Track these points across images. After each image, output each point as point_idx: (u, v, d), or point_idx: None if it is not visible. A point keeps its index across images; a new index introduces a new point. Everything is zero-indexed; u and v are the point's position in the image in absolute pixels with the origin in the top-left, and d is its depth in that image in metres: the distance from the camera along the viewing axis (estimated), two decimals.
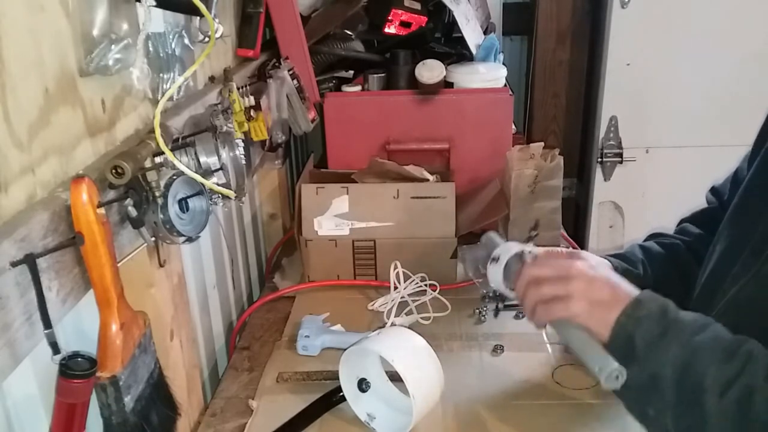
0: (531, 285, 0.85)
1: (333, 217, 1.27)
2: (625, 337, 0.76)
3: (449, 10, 1.59)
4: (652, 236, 1.09)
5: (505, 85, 1.54)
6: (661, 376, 0.73)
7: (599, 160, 2.16)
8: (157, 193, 0.72)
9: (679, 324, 0.75)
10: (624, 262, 0.99)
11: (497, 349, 1.09)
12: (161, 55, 0.83)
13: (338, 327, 1.13)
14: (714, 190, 1.08)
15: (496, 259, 0.94)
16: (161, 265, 0.84)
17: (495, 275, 0.94)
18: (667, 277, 0.99)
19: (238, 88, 1.03)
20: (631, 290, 0.80)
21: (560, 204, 1.37)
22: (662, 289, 0.98)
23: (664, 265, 1.00)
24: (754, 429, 0.67)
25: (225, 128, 0.91)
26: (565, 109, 2.23)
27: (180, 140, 0.82)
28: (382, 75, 1.55)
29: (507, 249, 0.93)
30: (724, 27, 1.99)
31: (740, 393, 0.68)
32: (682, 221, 1.10)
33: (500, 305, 1.03)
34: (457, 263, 1.30)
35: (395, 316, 1.17)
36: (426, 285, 1.24)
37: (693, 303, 0.94)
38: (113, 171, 0.66)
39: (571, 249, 0.98)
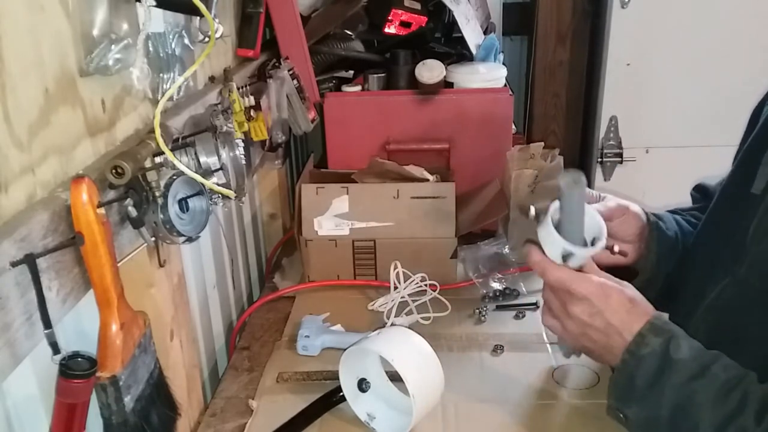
0: (546, 305, 0.87)
1: (333, 217, 1.27)
2: (628, 376, 0.77)
3: (449, 10, 1.59)
4: (673, 212, 1.09)
5: (505, 85, 1.54)
6: (657, 417, 0.74)
7: (599, 160, 2.16)
8: (157, 193, 0.72)
9: (677, 365, 0.74)
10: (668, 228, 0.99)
11: (497, 349, 1.09)
12: (161, 55, 0.83)
13: (338, 327, 1.13)
14: (701, 188, 1.08)
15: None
16: (161, 265, 0.84)
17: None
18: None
19: (238, 88, 1.03)
20: (638, 318, 0.78)
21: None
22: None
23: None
24: None
25: (225, 128, 0.91)
26: (565, 109, 2.23)
27: (180, 140, 0.82)
28: (382, 75, 1.55)
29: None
30: (725, 27, 1.99)
31: None
32: (673, 212, 1.10)
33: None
34: (457, 263, 1.30)
35: (395, 316, 1.17)
36: (426, 285, 1.24)
37: (677, 305, 0.94)
38: (113, 171, 0.66)
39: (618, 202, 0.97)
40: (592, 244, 0.83)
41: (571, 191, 0.78)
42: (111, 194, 0.69)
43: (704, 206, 1.06)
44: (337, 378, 0.94)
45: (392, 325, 1.14)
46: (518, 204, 1.00)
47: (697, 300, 0.88)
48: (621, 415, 0.79)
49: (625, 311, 0.79)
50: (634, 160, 2.15)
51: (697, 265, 0.93)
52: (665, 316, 0.81)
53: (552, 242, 0.80)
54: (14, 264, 0.54)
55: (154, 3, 0.73)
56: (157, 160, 0.73)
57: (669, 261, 0.98)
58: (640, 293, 0.81)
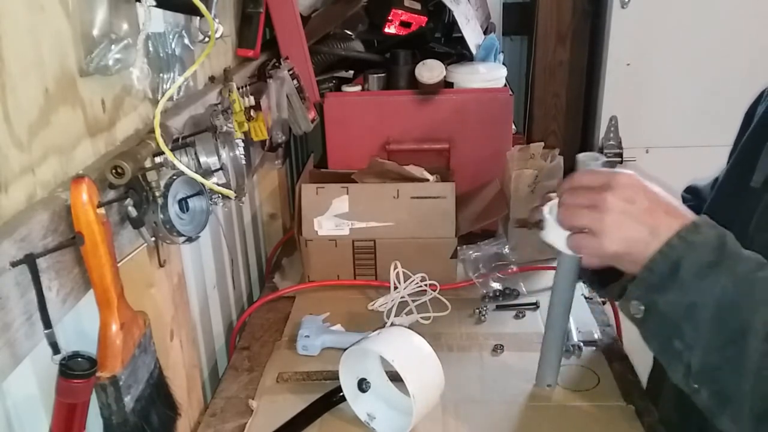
0: (568, 210, 0.77)
1: (333, 217, 1.27)
2: (673, 260, 0.69)
3: (449, 10, 1.59)
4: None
5: (505, 85, 1.54)
6: (701, 307, 0.67)
7: None
8: (157, 193, 0.72)
9: (736, 257, 0.68)
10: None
11: (497, 349, 1.09)
12: (161, 55, 0.83)
13: (338, 327, 1.13)
14: (693, 190, 1.08)
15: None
16: (161, 265, 0.84)
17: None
18: None
19: (238, 88, 1.03)
20: (684, 214, 0.72)
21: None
22: None
23: None
24: None
25: (225, 128, 0.91)
26: (565, 109, 2.23)
27: (180, 140, 0.82)
28: (382, 75, 1.55)
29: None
30: (725, 27, 1.99)
31: None
32: None
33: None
34: (457, 263, 1.30)
35: (395, 316, 1.17)
36: (426, 285, 1.24)
37: None
38: (113, 171, 0.66)
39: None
40: None
41: (588, 165, 0.80)
42: (111, 194, 0.69)
43: (695, 206, 1.05)
44: (337, 378, 0.94)
45: (392, 325, 1.14)
46: (517, 219, 0.98)
47: None
48: (639, 308, 0.72)
49: (671, 202, 0.73)
50: (634, 160, 2.15)
51: None
52: None
53: (559, 235, 0.79)
54: (14, 264, 0.54)
55: (154, 3, 0.73)
56: (157, 160, 0.73)
57: None
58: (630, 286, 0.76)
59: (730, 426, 0.68)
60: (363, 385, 0.94)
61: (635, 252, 0.72)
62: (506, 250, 1.33)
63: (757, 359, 0.64)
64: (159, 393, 0.76)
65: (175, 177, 0.74)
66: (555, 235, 0.80)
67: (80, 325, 0.73)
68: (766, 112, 0.89)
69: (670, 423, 0.92)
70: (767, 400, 0.65)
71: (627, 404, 0.95)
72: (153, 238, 0.74)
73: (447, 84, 1.51)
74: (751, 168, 0.83)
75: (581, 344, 1.06)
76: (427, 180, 1.33)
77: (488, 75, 1.52)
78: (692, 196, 1.07)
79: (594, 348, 1.08)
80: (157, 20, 0.81)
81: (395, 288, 1.22)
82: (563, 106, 2.22)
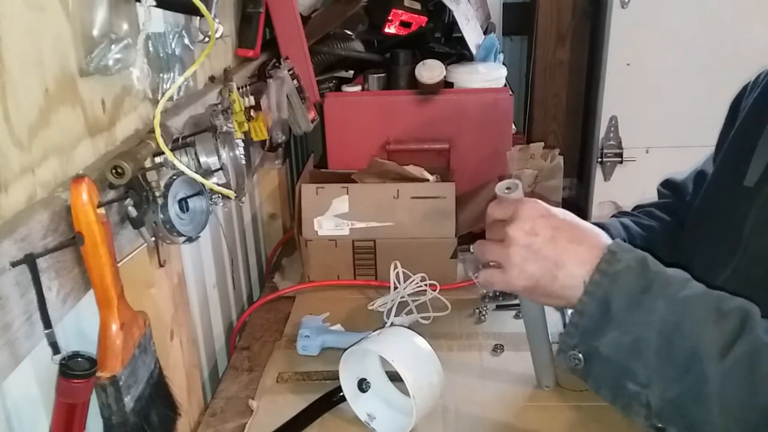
0: (481, 246, 0.78)
1: (333, 217, 1.27)
2: (601, 298, 0.66)
3: (449, 10, 1.59)
4: (621, 214, 1.06)
5: (505, 85, 1.54)
6: (644, 341, 0.64)
7: (599, 160, 2.16)
8: (157, 193, 0.72)
9: (662, 279, 0.65)
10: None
11: (497, 349, 1.09)
12: (161, 55, 0.83)
13: (338, 327, 1.13)
14: (671, 185, 1.06)
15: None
16: (161, 265, 0.84)
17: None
18: None
19: (238, 88, 1.03)
20: (594, 240, 0.69)
21: (560, 204, 1.37)
22: None
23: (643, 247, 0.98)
24: (764, 390, 0.60)
25: (225, 128, 0.91)
26: (565, 109, 2.23)
27: (180, 140, 0.82)
28: (382, 75, 1.55)
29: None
30: (725, 27, 1.99)
31: (743, 352, 0.60)
32: (638, 207, 1.07)
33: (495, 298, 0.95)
34: (457, 263, 1.30)
35: (395, 316, 1.17)
36: (426, 285, 1.24)
37: None
38: (113, 171, 0.66)
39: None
40: None
41: (503, 193, 0.80)
42: (111, 194, 0.69)
43: (668, 203, 1.04)
44: (337, 378, 0.94)
45: (392, 325, 1.14)
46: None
47: None
48: (578, 358, 0.68)
49: (576, 228, 0.71)
50: (634, 160, 2.15)
51: (694, 263, 0.92)
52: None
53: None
54: (14, 264, 0.54)
55: (154, 3, 0.73)
56: (157, 160, 0.74)
57: None
58: None
59: None
60: (363, 385, 0.94)
61: (543, 285, 0.70)
62: None
63: (718, 382, 0.61)
64: (159, 393, 0.76)
65: (175, 177, 0.74)
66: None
67: (80, 325, 0.73)
68: (753, 106, 0.86)
69: None
70: (739, 422, 0.61)
71: None
72: (153, 238, 0.74)
73: (447, 84, 1.51)
74: (743, 166, 0.81)
75: None
76: (427, 180, 1.33)
77: (488, 75, 1.52)
78: (670, 191, 1.06)
79: None
80: (157, 20, 0.81)
81: (395, 288, 1.22)
82: (563, 106, 2.22)
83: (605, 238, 0.71)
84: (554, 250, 0.70)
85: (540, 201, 0.74)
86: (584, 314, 0.68)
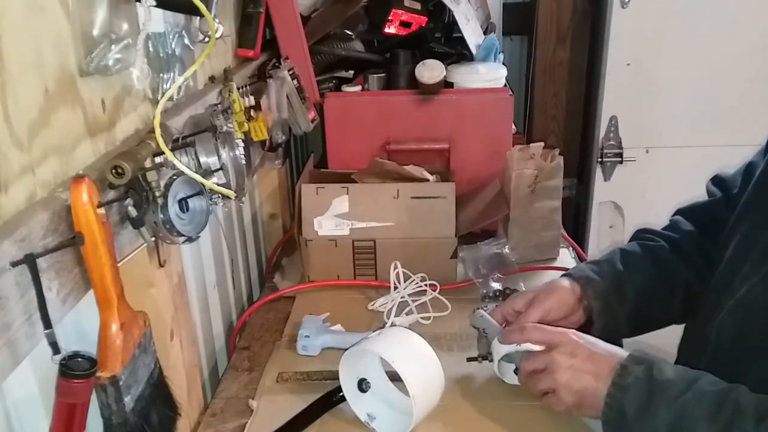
0: (529, 379, 0.89)
1: (333, 217, 1.27)
2: (618, 408, 0.78)
3: (449, 10, 1.59)
4: (639, 232, 1.08)
5: (505, 85, 1.54)
6: None
7: (599, 160, 2.16)
8: (157, 193, 0.72)
9: (663, 385, 0.76)
10: (599, 271, 1.00)
11: None
12: (161, 55, 0.83)
13: (338, 327, 1.13)
14: (719, 181, 1.05)
15: (490, 353, 0.98)
16: (161, 265, 0.84)
17: (496, 367, 0.98)
18: (647, 285, 0.99)
19: (238, 88, 1.03)
20: (615, 356, 0.82)
21: (560, 204, 1.37)
22: (644, 296, 0.99)
23: (645, 272, 1.00)
24: None
25: (225, 128, 0.91)
26: (565, 109, 2.23)
27: (180, 140, 0.82)
28: (382, 75, 1.55)
29: (497, 349, 0.96)
30: (725, 27, 1.99)
31: None
32: (678, 212, 1.08)
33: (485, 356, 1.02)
34: (457, 263, 1.30)
35: (395, 316, 1.17)
36: (426, 285, 1.24)
37: (702, 301, 0.93)
38: (113, 171, 0.66)
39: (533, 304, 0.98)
40: None
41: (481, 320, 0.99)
42: (111, 194, 0.69)
43: (720, 199, 1.02)
44: (337, 378, 0.94)
45: (392, 325, 1.14)
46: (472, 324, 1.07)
47: (724, 296, 0.85)
48: None
49: (602, 346, 0.84)
50: (634, 160, 2.15)
51: (728, 261, 0.90)
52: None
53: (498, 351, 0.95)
54: (14, 264, 0.54)
55: (154, 3, 0.73)
56: (157, 160, 0.73)
57: (619, 298, 0.98)
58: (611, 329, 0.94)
59: None
60: (363, 386, 0.94)
61: (588, 398, 0.82)
62: (506, 250, 1.33)
63: None
64: (159, 393, 0.76)
65: (175, 177, 0.74)
66: (503, 371, 0.97)
67: (80, 325, 0.73)
68: None
69: None
70: None
71: None
72: (153, 238, 0.74)
73: (447, 84, 1.51)
74: None
75: None
76: (427, 180, 1.33)
77: (488, 75, 1.52)
78: (718, 188, 1.04)
79: None
80: (157, 20, 0.81)
81: (395, 288, 1.22)
82: (563, 106, 2.22)
83: (621, 354, 0.83)
84: (593, 364, 0.83)
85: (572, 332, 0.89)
86: (609, 423, 0.80)
